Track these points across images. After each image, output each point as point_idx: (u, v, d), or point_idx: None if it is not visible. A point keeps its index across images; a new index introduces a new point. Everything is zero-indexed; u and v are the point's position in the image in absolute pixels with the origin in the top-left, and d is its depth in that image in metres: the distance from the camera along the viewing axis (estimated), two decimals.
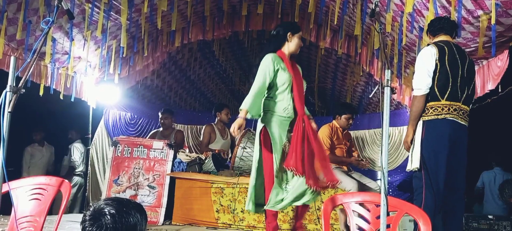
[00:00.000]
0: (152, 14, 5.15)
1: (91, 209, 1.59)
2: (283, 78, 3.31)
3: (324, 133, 4.72)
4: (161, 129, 6.04)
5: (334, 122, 4.93)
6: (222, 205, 4.80)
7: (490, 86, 4.26)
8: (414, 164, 3.22)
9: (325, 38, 5.90)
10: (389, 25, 4.34)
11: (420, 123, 3.23)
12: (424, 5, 3.90)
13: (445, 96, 3.15)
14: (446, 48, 3.18)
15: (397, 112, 6.61)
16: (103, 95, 6.26)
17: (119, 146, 5.23)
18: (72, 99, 5.76)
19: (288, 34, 3.45)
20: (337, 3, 4.76)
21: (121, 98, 6.52)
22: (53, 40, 4.86)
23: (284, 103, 3.32)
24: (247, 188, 4.76)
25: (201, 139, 5.97)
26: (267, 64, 3.30)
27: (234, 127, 3.23)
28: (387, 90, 2.25)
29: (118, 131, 6.95)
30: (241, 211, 4.73)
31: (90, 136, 6.78)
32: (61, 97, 5.56)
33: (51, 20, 2.35)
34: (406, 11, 3.90)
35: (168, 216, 4.99)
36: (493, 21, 3.22)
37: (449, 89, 3.15)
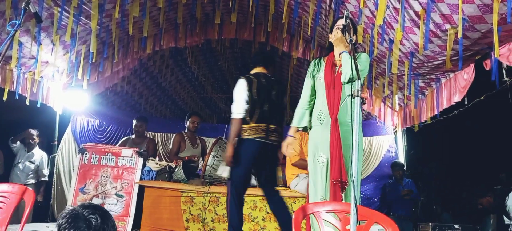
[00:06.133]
0: (123, 20, 5.08)
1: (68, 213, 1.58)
2: (318, 83, 3.23)
3: (295, 140, 4.77)
4: (133, 136, 5.91)
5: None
6: (192, 214, 4.74)
7: (457, 98, 4.39)
8: (227, 173, 3.89)
9: (298, 48, 5.95)
10: (361, 37, 4.41)
11: None
12: (394, 18, 3.98)
13: (253, 119, 3.74)
14: (254, 79, 3.79)
15: (367, 122, 6.69)
16: (70, 101, 6.12)
17: (86, 153, 5.09)
18: (39, 105, 5.60)
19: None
20: (310, 14, 4.81)
21: (89, 104, 6.39)
22: (20, 44, 4.73)
23: (318, 109, 3.21)
24: (218, 197, 4.74)
25: (170, 147, 5.89)
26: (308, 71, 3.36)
27: (282, 145, 3.43)
28: (357, 100, 2.27)
29: (86, 138, 6.80)
30: (211, 221, 4.68)
31: (56, 142, 6.60)
32: (27, 102, 5.40)
33: (18, 23, 2.30)
34: (377, 24, 3.97)
35: (136, 225, 4.89)
36: (460, 35, 3.30)
37: (256, 114, 3.74)
